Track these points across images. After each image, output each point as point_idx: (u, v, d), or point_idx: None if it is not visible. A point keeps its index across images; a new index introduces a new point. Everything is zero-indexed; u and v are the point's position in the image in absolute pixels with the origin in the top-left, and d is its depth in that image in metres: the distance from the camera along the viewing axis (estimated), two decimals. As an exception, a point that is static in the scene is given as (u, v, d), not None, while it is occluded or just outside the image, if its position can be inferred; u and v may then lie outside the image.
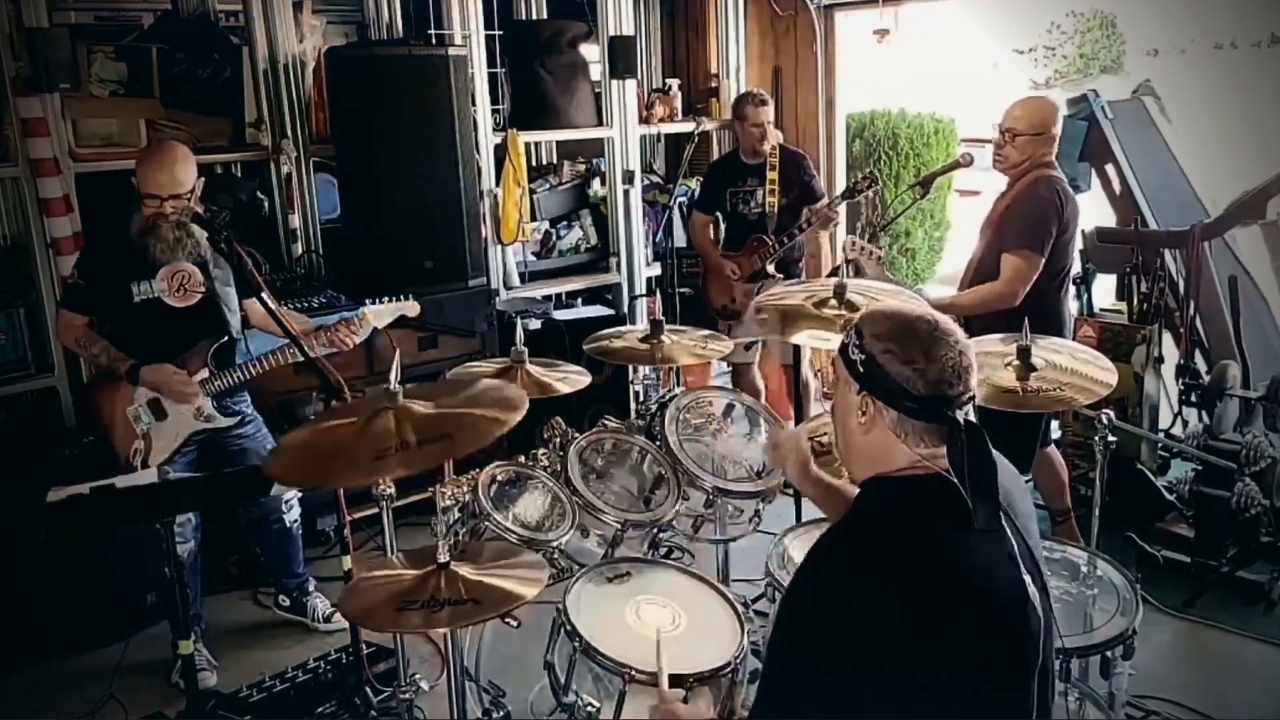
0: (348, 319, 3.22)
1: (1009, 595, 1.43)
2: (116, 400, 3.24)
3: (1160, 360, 4.26)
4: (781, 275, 4.57)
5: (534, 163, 5.65)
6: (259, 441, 3.41)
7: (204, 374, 3.25)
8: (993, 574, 1.43)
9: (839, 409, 1.58)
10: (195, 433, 3.28)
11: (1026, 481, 3.75)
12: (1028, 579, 1.45)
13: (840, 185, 5.98)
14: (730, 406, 3.04)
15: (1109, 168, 4.77)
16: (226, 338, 3.32)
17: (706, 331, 3.21)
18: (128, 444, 3.24)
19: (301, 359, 2.83)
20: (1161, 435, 4.28)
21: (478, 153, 4.56)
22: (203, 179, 3.27)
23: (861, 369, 1.49)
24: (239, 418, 3.36)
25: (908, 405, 1.46)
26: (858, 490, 1.58)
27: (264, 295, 2.81)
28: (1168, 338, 4.37)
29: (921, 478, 1.48)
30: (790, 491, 3.64)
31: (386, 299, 3.32)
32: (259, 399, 3.57)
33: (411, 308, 3.27)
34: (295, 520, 3.57)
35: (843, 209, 4.67)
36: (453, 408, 2.08)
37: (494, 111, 4.94)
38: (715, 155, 5.62)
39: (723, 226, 4.88)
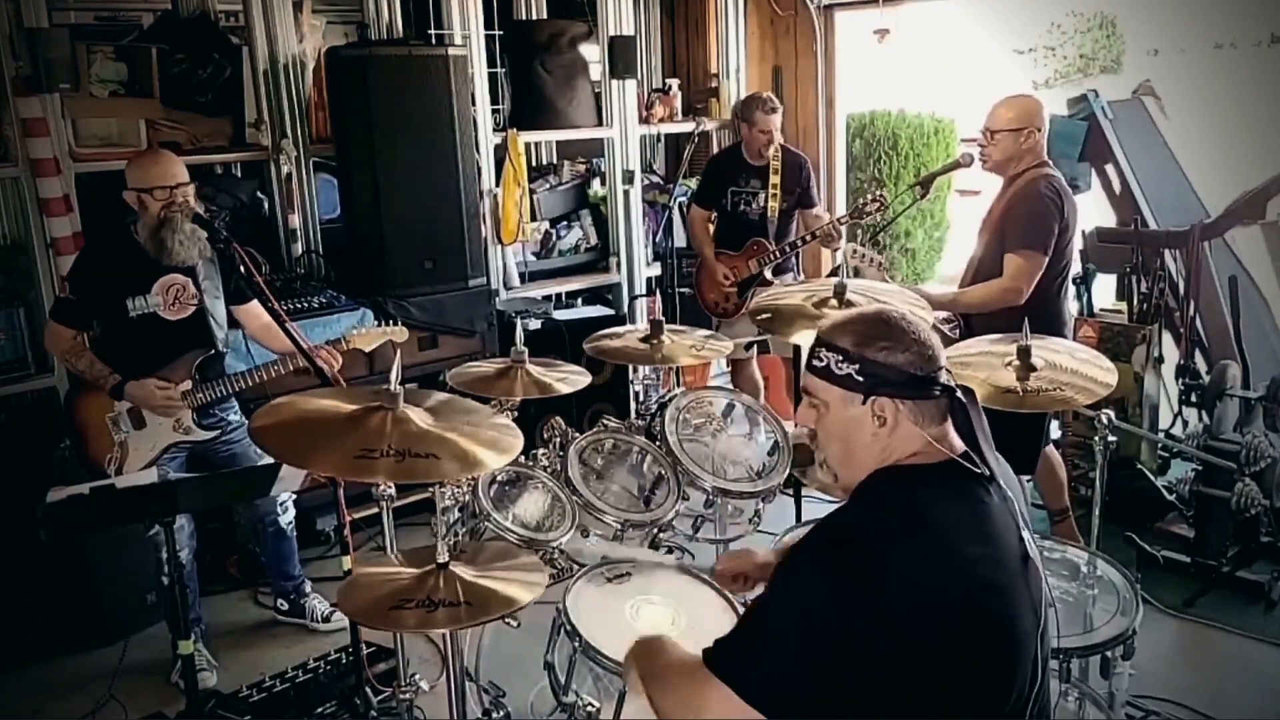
0: (334, 340, 3.22)
1: (1012, 564, 1.46)
2: (97, 405, 3.21)
3: (1160, 360, 4.26)
4: (775, 281, 4.56)
5: (534, 163, 5.65)
6: (249, 445, 3.36)
7: (187, 385, 3.23)
8: (1001, 545, 1.46)
9: (837, 430, 1.55)
10: (172, 444, 3.26)
11: (1027, 481, 3.76)
12: (1027, 536, 1.51)
13: (841, 185, 6.00)
14: (730, 406, 3.04)
15: (1109, 168, 4.77)
16: (213, 350, 3.32)
17: (706, 332, 3.22)
18: (103, 451, 3.21)
19: (310, 368, 2.84)
20: (1161, 435, 4.28)
21: (478, 153, 4.56)
22: (196, 182, 3.27)
23: (861, 377, 1.50)
24: (219, 431, 3.34)
25: (918, 389, 1.49)
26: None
27: (272, 304, 2.81)
28: (1168, 338, 4.37)
29: (921, 465, 1.50)
30: (790, 492, 3.65)
31: (377, 323, 3.35)
32: (252, 401, 3.56)
33: (400, 334, 3.26)
34: (290, 522, 3.56)
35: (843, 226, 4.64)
36: (449, 431, 2.04)
37: (494, 111, 4.94)
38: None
39: (712, 223, 4.84)
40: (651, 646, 1.68)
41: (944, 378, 1.51)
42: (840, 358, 1.51)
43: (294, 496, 3.53)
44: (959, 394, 1.50)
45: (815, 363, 1.55)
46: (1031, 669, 1.47)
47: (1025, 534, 1.52)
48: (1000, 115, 3.40)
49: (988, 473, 1.48)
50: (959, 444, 1.52)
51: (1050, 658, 1.56)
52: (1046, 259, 3.32)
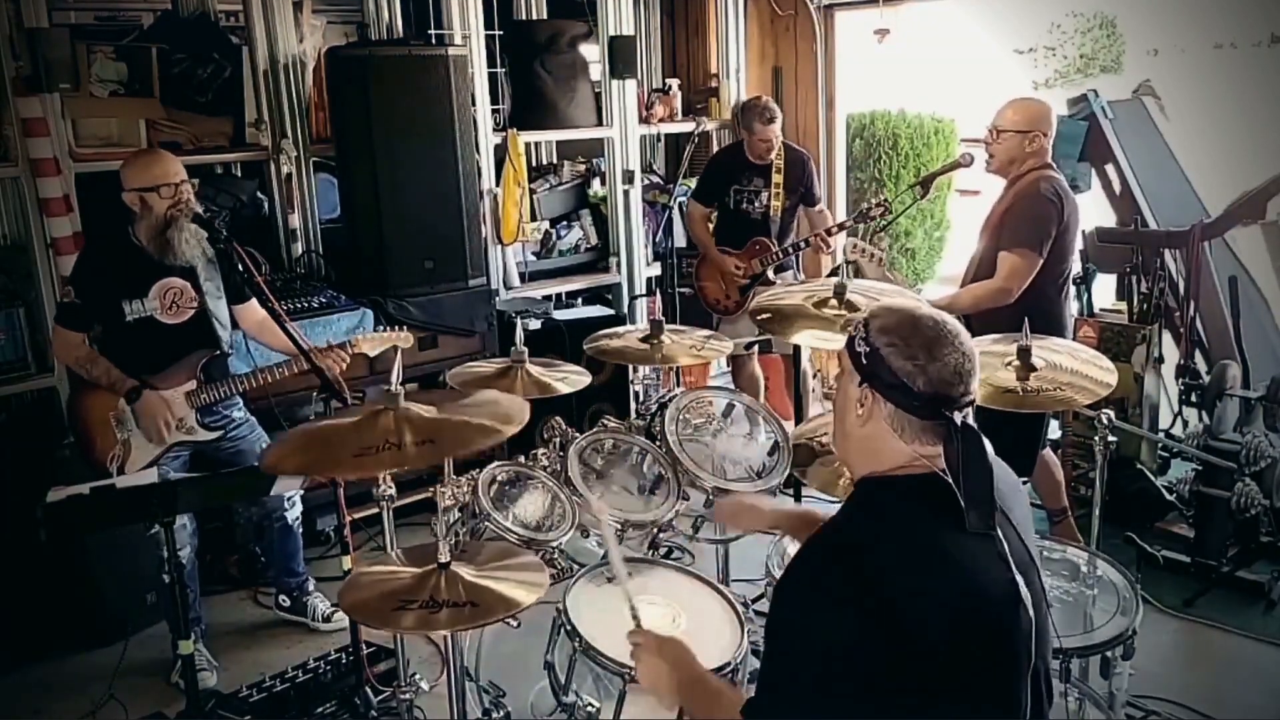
0: (339, 345, 3.21)
1: (999, 595, 1.43)
2: (100, 404, 3.20)
3: (1160, 360, 4.26)
4: (777, 280, 4.57)
5: (534, 163, 5.65)
6: (253, 443, 3.38)
7: (191, 385, 3.23)
8: (982, 574, 1.43)
9: (839, 402, 1.59)
10: (175, 443, 3.25)
11: (1025, 483, 3.76)
12: (1020, 579, 1.45)
13: (841, 184, 6.00)
14: (730, 406, 3.04)
15: (1109, 168, 4.77)
16: (218, 351, 3.32)
17: (706, 332, 3.21)
18: (106, 449, 3.20)
19: (310, 368, 2.84)
20: (1161, 435, 4.28)
21: (478, 153, 4.56)
22: (196, 180, 3.27)
23: (864, 361, 1.50)
24: (221, 430, 3.33)
25: (905, 400, 1.47)
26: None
27: (272, 304, 2.81)
28: (1168, 338, 4.37)
29: (914, 477, 1.48)
30: (790, 492, 3.65)
31: (382, 328, 3.33)
32: (257, 400, 3.56)
33: (405, 339, 3.25)
34: (296, 518, 3.57)
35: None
36: (448, 414, 2.07)
37: (494, 111, 4.94)
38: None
39: (712, 221, 4.85)
40: (692, 674, 1.68)
41: (948, 409, 1.44)
42: (863, 335, 1.52)
43: (300, 492, 3.52)
44: (961, 432, 1.43)
45: (851, 331, 1.57)
46: (1024, 697, 1.47)
47: (1018, 579, 1.45)
48: (1007, 116, 3.40)
49: (963, 508, 1.42)
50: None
51: (1048, 690, 1.55)
52: (1041, 259, 3.32)
